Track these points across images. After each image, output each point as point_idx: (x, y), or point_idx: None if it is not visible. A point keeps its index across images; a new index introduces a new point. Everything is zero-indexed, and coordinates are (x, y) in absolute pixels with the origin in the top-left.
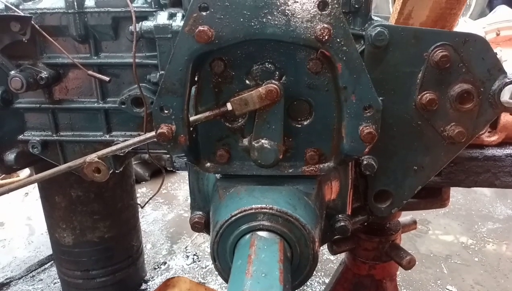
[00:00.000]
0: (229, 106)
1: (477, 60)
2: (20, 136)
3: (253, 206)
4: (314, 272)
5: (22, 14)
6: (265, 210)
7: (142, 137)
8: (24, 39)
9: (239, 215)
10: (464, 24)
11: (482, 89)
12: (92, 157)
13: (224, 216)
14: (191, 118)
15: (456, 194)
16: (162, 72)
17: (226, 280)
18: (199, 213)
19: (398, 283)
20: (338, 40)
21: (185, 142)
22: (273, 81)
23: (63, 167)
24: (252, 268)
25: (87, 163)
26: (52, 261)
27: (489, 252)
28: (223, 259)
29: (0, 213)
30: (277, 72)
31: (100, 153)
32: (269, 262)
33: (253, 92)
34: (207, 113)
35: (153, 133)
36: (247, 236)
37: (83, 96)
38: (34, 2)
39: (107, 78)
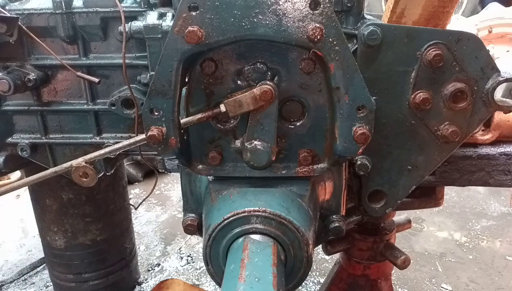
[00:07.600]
0: (222, 107)
1: (470, 58)
2: (9, 139)
3: (246, 208)
4: (309, 272)
5: (9, 14)
6: (258, 213)
7: (132, 141)
8: (11, 40)
9: (231, 218)
10: (456, 22)
11: (475, 88)
12: (79, 161)
13: (216, 219)
14: (183, 121)
15: (450, 191)
16: (153, 73)
17: (219, 284)
18: (191, 215)
19: (393, 282)
20: (330, 40)
21: (176, 145)
22: (267, 82)
23: (48, 171)
24: (245, 273)
25: (74, 168)
26: (45, 264)
27: (483, 250)
28: (216, 262)
29: None
30: (269, 73)
31: (87, 157)
32: (263, 266)
33: (247, 94)
34: (199, 115)
35: (143, 136)
36: (240, 239)
37: (72, 98)
38: (21, 3)
39: (96, 80)
